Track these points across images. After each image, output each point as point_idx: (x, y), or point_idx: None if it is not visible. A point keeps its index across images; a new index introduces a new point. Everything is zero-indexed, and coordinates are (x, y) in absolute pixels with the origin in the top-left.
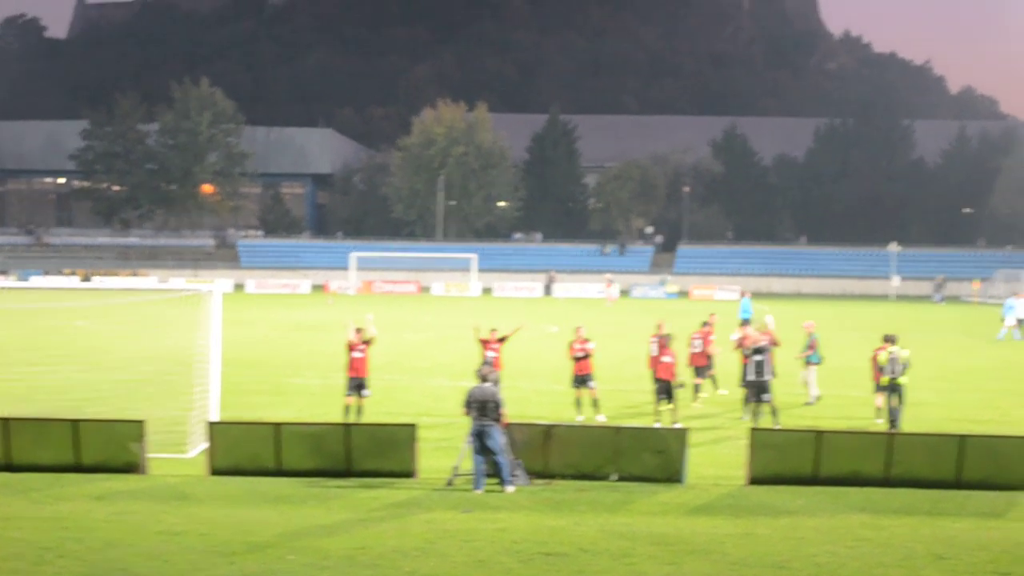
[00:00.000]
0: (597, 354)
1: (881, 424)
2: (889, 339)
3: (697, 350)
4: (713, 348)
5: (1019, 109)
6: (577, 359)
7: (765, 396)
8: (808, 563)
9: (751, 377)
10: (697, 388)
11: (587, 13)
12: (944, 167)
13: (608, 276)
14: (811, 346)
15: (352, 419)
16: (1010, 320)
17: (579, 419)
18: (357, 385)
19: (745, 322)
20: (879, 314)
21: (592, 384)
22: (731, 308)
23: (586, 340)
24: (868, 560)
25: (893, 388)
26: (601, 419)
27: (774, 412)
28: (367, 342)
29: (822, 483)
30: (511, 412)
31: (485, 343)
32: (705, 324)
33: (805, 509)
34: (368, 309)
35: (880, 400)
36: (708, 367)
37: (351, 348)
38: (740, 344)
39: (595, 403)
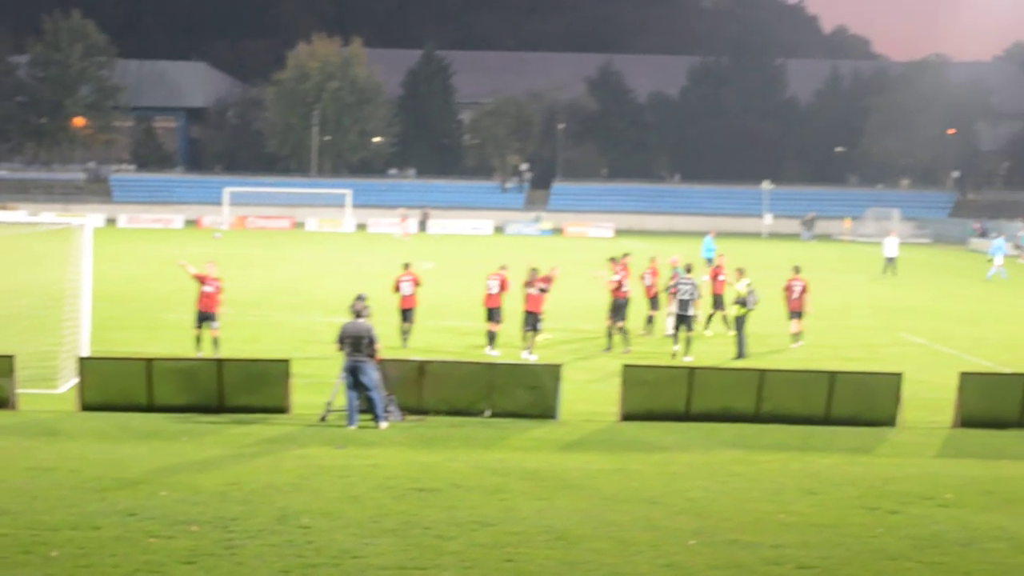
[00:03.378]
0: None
1: (796, 349)
2: (740, 271)
3: (649, 283)
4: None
5: (891, 49)
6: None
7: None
8: (680, 498)
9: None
10: (650, 319)
11: None
12: (816, 106)
13: (402, 211)
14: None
15: (207, 351)
16: (999, 259)
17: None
18: (205, 318)
19: (708, 261)
20: (751, 251)
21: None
22: (602, 246)
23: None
24: (739, 495)
25: (741, 320)
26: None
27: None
28: (218, 278)
29: (694, 419)
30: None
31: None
32: (652, 259)
33: (677, 445)
34: (245, 244)
35: (794, 327)
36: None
37: (201, 281)
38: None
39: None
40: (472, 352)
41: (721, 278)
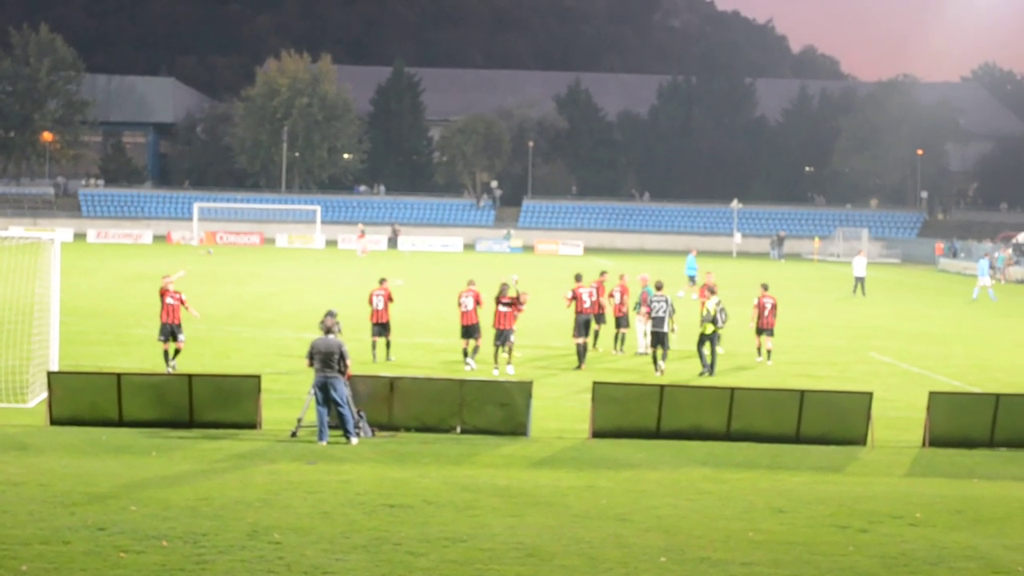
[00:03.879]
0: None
1: (761, 362)
2: (712, 290)
3: (617, 301)
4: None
5: (859, 69)
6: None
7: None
8: (649, 515)
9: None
10: (621, 337)
11: None
12: (785, 126)
13: (360, 227)
14: (643, 300)
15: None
16: (984, 280)
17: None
18: (169, 331)
19: (691, 279)
20: (721, 270)
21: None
22: (573, 263)
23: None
24: (709, 513)
25: (713, 337)
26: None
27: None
28: (178, 291)
29: (664, 437)
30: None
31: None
32: (622, 277)
33: (647, 462)
34: (215, 260)
35: (763, 341)
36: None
37: (163, 295)
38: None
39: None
40: (445, 368)
41: None
